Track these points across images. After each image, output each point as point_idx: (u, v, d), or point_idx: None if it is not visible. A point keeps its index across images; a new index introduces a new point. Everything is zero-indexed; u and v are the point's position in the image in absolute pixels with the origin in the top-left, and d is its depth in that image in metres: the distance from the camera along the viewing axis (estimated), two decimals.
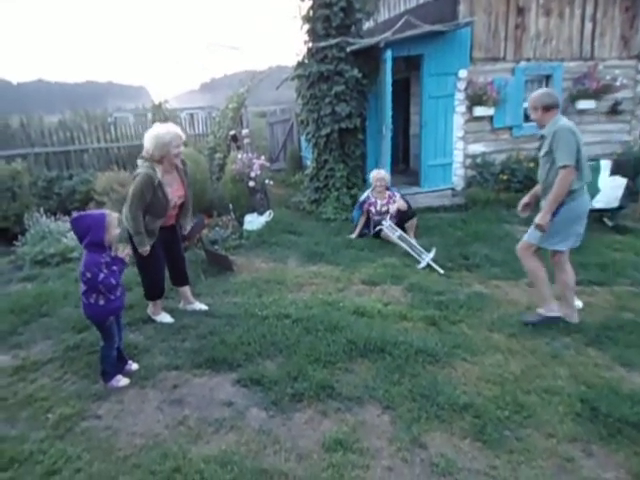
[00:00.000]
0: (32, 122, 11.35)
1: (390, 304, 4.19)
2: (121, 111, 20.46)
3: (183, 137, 3.62)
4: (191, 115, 14.29)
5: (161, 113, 10.68)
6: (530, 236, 3.74)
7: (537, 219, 3.55)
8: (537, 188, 3.92)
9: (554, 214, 3.52)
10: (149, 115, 11.67)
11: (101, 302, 2.89)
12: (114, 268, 2.89)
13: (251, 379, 3.00)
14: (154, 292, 3.84)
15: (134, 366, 3.19)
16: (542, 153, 3.65)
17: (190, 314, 4.00)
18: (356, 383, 2.95)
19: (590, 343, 3.49)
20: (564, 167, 3.37)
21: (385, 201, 6.17)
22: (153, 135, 3.46)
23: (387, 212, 6.09)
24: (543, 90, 3.74)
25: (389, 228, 5.84)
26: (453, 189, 8.10)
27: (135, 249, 3.60)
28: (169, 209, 3.63)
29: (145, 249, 3.56)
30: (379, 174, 6.25)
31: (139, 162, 3.57)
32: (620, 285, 4.61)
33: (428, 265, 5.11)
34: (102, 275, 2.81)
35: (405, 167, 10.20)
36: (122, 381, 3.03)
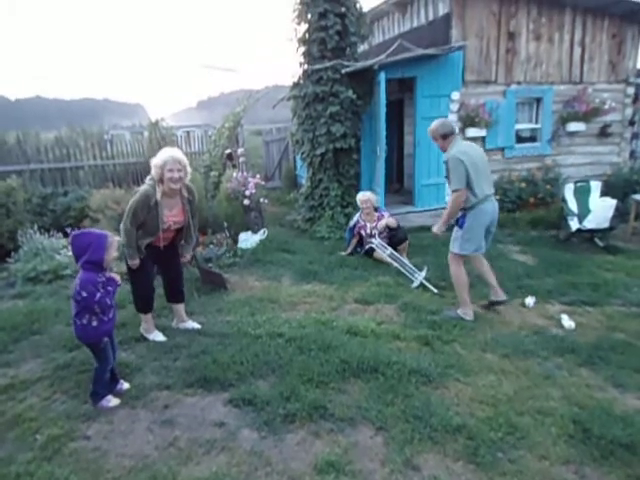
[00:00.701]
0: (28, 138, 11.40)
1: (383, 323, 4.20)
2: (117, 128, 20.56)
3: (183, 163, 3.55)
4: (187, 133, 14.37)
5: (157, 131, 10.74)
6: (453, 248, 4.33)
7: (434, 229, 4.39)
8: None
9: (461, 225, 4.21)
10: (145, 133, 11.74)
11: (94, 323, 2.86)
12: (109, 288, 2.88)
13: (243, 399, 2.97)
14: (143, 305, 3.85)
15: (125, 386, 3.15)
16: (445, 175, 4.25)
17: (183, 333, 3.98)
18: (349, 404, 2.94)
19: (582, 364, 3.50)
20: (454, 191, 4.07)
21: (374, 224, 6.14)
22: (157, 156, 3.56)
23: (377, 234, 6.09)
24: (438, 121, 4.32)
25: (379, 246, 5.84)
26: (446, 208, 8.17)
27: (126, 261, 3.68)
28: (160, 230, 3.64)
29: (134, 262, 3.62)
30: (364, 196, 6.23)
31: (146, 179, 3.64)
32: (612, 305, 4.65)
33: (422, 284, 5.13)
34: (99, 295, 2.79)
35: (399, 186, 10.30)
36: (112, 401, 2.98)
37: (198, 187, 7.32)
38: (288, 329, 3.96)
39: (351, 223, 6.42)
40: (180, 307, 4.09)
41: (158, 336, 3.86)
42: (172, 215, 3.69)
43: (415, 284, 5.13)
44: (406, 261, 5.54)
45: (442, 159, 4.32)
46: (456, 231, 4.30)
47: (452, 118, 7.82)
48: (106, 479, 2.37)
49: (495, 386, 3.17)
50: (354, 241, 6.36)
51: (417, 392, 3.05)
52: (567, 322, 4.17)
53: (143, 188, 3.54)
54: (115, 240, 2.91)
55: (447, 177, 4.20)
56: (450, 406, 2.91)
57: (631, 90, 8.80)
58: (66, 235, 6.73)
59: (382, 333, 3.94)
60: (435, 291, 4.97)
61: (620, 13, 8.28)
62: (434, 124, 4.28)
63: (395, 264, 5.55)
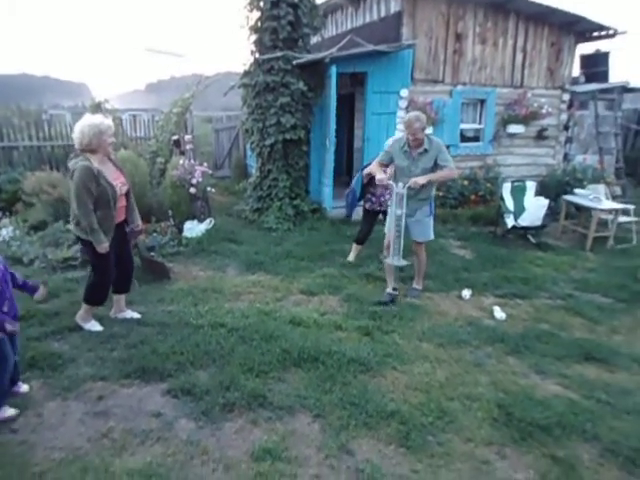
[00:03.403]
0: None
1: (326, 314, 4.27)
2: (58, 108, 19.41)
3: (113, 129, 3.60)
4: (134, 117, 13.81)
5: (101, 113, 10.27)
6: (429, 236, 4.70)
7: (420, 180, 4.25)
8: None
9: (432, 213, 4.63)
10: (87, 114, 11.19)
11: None
12: None
13: (182, 389, 2.95)
14: (100, 296, 3.71)
15: (24, 388, 2.90)
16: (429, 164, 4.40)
17: (121, 322, 3.87)
18: (288, 392, 2.98)
19: (510, 352, 3.73)
20: (452, 168, 4.44)
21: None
22: (88, 124, 3.42)
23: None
24: (421, 115, 4.34)
25: (398, 196, 4.32)
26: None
27: (90, 251, 3.51)
28: (117, 197, 3.52)
29: (104, 245, 3.43)
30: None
31: (71, 162, 3.49)
32: (540, 298, 4.96)
33: (366, 275, 5.23)
34: None
35: (348, 180, 10.40)
36: (8, 412, 2.69)
37: (143, 173, 7.12)
38: (231, 319, 3.95)
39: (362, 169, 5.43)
40: (123, 296, 3.98)
41: (95, 326, 3.73)
42: (115, 178, 3.58)
43: (394, 262, 4.45)
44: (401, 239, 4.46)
45: (425, 147, 4.37)
46: (427, 220, 4.59)
47: (401, 115, 7.98)
48: (33, 473, 2.29)
49: (429, 373, 3.32)
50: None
51: (355, 380, 3.14)
52: (499, 313, 4.42)
53: (79, 164, 3.37)
54: None
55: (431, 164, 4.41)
56: (386, 393, 3.03)
57: (566, 97, 9.32)
58: None
59: (324, 323, 4.01)
60: (392, 287, 4.66)
61: (558, 23, 8.73)
62: (421, 117, 4.28)
63: (393, 229, 4.42)
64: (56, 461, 2.37)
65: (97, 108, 10.44)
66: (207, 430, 2.64)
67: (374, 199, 5.49)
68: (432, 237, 4.75)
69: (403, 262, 4.46)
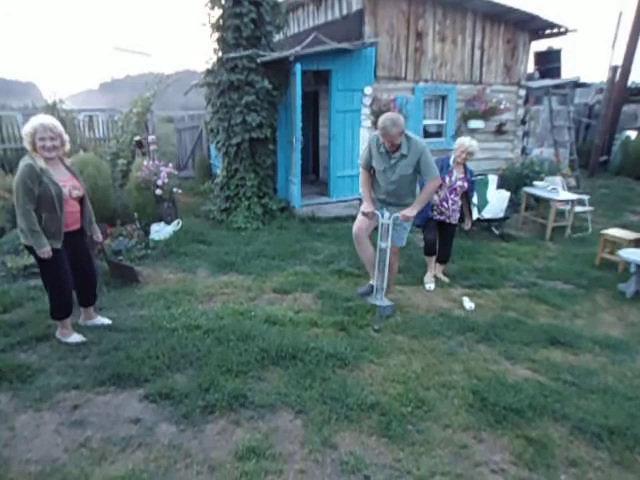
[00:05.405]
0: None
1: (301, 311, 4.29)
2: (6, 109, 18.53)
3: (56, 131, 3.28)
4: (90, 117, 13.36)
5: (56, 114, 9.89)
6: (403, 242, 4.45)
7: (408, 212, 4.00)
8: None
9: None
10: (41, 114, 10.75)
11: None
12: None
13: (160, 394, 2.90)
14: (62, 309, 3.50)
15: None
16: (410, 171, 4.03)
17: (91, 330, 3.76)
18: (268, 390, 2.99)
19: (480, 340, 3.87)
20: (435, 178, 4.04)
21: (462, 175, 5.07)
22: (28, 123, 3.27)
23: (455, 189, 5.03)
24: (399, 117, 3.98)
25: (383, 227, 4.12)
26: (360, 199, 8.46)
27: (36, 260, 3.33)
28: (63, 199, 3.28)
29: (45, 249, 3.21)
30: (466, 147, 5.01)
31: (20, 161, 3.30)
32: (506, 287, 5.15)
33: (338, 272, 5.29)
34: None
35: (315, 178, 10.45)
36: None
37: (105, 175, 6.93)
38: (205, 321, 3.91)
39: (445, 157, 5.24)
40: (90, 307, 3.86)
41: (77, 337, 3.57)
42: (66, 180, 3.37)
43: (377, 301, 4.22)
44: (386, 273, 4.16)
45: (402, 152, 3.94)
46: (407, 225, 4.24)
47: (365, 112, 8.09)
48: None
49: (405, 365, 3.39)
50: None
51: (334, 375, 3.18)
52: (468, 304, 4.56)
53: (22, 163, 3.19)
54: None
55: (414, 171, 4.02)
56: (365, 386, 3.08)
57: (522, 92, 9.67)
58: None
59: (300, 321, 4.03)
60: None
61: (513, 21, 9.05)
62: (398, 121, 3.87)
63: (377, 266, 4.16)
64: (33, 474, 2.29)
65: (52, 109, 10.07)
66: (189, 433, 2.61)
67: (433, 206, 5.04)
68: (404, 244, 4.47)
69: (386, 302, 4.12)
